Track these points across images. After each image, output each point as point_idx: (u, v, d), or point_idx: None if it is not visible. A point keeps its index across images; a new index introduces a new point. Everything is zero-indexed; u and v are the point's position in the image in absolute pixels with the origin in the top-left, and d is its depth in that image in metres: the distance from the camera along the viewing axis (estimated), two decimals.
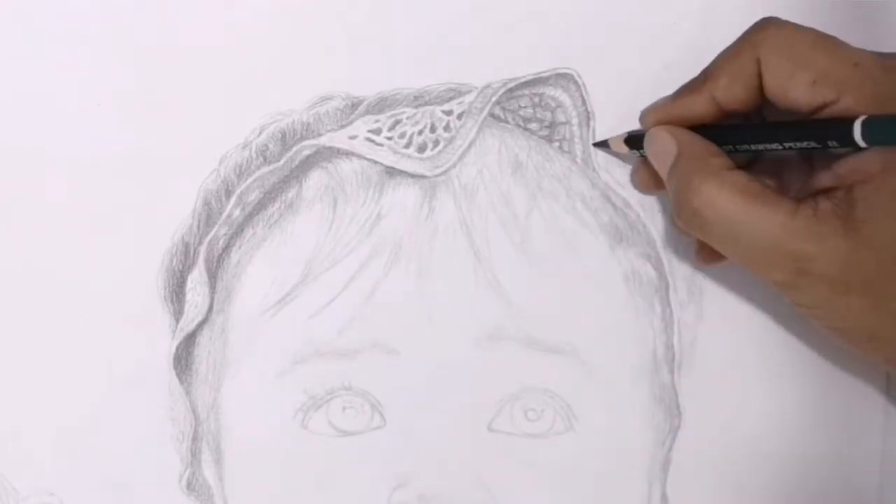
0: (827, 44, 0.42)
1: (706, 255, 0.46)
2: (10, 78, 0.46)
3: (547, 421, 0.48)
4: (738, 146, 0.43)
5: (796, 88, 0.41)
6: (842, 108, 0.41)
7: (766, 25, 0.43)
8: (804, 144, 0.42)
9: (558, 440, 0.48)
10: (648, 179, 0.47)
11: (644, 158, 0.46)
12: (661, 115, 0.45)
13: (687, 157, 0.43)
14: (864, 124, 0.39)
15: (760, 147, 0.43)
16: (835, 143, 0.41)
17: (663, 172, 0.44)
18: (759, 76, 0.42)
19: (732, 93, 0.43)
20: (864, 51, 0.42)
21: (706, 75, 0.44)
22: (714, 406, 0.49)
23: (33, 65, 0.46)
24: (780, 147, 0.42)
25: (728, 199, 0.41)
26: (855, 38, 0.44)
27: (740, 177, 0.42)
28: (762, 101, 0.43)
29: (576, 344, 0.48)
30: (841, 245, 0.40)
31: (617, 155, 0.48)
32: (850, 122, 0.40)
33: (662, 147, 0.44)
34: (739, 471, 0.49)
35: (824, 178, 0.43)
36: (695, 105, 0.44)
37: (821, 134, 0.41)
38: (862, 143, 0.40)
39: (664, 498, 0.49)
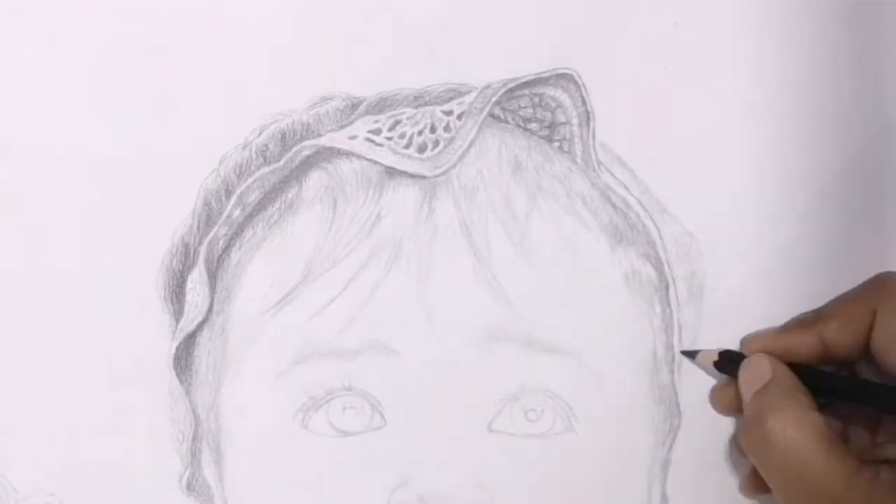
0: None
1: (755, 485, 0.47)
2: (9, 78, 0.46)
3: (547, 421, 0.48)
4: (823, 392, 0.44)
5: None
6: None
7: (889, 280, 0.44)
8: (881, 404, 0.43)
9: (558, 440, 0.48)
10: (731, 401, 0.47)
11: (732, 380, 0.47)
12: (767, 345, 0.45)
13: (777, 384, 0.44)
14: None
15: (846, 401, 0.44)
16: None
17: (749, 392, 0.44)
18: (871, 327, 0.43)
19: (841, 338, 0.44)
20: None
21: (818, 315, 0.45)
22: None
23: (33, 65, 0.46)
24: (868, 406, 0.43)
25: (801, 434, 0.41)
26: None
27: (819, 420, 0.42)
28: (867, 352, 0.43)
29: (576, 344, 0.48)
30: None
31: (701, 366, 0.48)
32: None
33: (757, 371, 0.45)
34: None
35: (889, 450, 0.44)
36: (800, 342, 0.45)
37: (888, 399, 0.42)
38: None
39: (664, 498, 0.49)
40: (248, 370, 0.47)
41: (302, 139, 0.47)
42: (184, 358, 0.47)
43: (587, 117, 0.48)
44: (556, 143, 0.48)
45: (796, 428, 0.42)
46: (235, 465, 0.47)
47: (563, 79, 0.47)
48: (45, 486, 0.47)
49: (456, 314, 0.47)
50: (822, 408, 0.44)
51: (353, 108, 0.47)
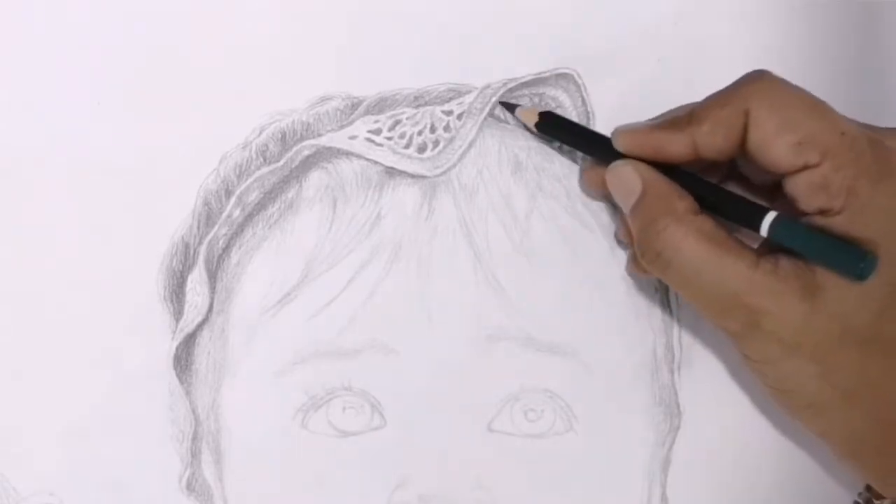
0: (817, 108, 0.41)
1: (637, 266, 0.46)
2: (10, 78, 0.46)
3: (547, 421, 0.48)
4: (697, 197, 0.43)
5: (780, 147, 0.41)
6: (821, 173, 0.40)
7: (760, 78, 0.42)
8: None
9: (558, 440, 0.48)
10: (597, 186, 0.46)
11: (594, 163, 0.46)
12: (635, 141, 0.44)
13: (652, 196, 0.43)
14: (773, 221, 0.40)
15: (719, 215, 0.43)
16: (745, 227, 0.41)
17: (625, 206, 0.44)
18: (744, 128, 0.41)
19: (713, 141, 0.42)
20: (852, 120, 0.41)
21: (690, 117, 0.43)
22: (714, 406, 0.49)
23: (33, 65, 0.46)
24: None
25: (692, 244, 0.41)
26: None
27: (705, 222, 0.41)
28: (741, 152, 0.42)
29: (576, 344, 0.48)
30: (797, 307, 0.40)
31: (524, 126, 0.47)
32: (762, 213, 0.41)
33: (626, 182, 0.43)
34: (739, 471, 0.49)
35: None
36: (672, 143, 0.43)
37: (739, 215, 0.42)
38: (764, 234, 0.40)
39: (664, 498, 0.49)
40: (248, 370, 0.47)
41: (302, 139, 0.47)
42: (184, 358, 0.47)
43: (587, 117, 0.48)
44: (557, 144, 0.48)
45: (684, 239, 0.41)
46: (235, 465, 0.47)
47: (563, 79, 0.48)
48: (45, 486, 0.47)
49: (456, 314, 0.47)
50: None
51: (353, 108, 0.47)
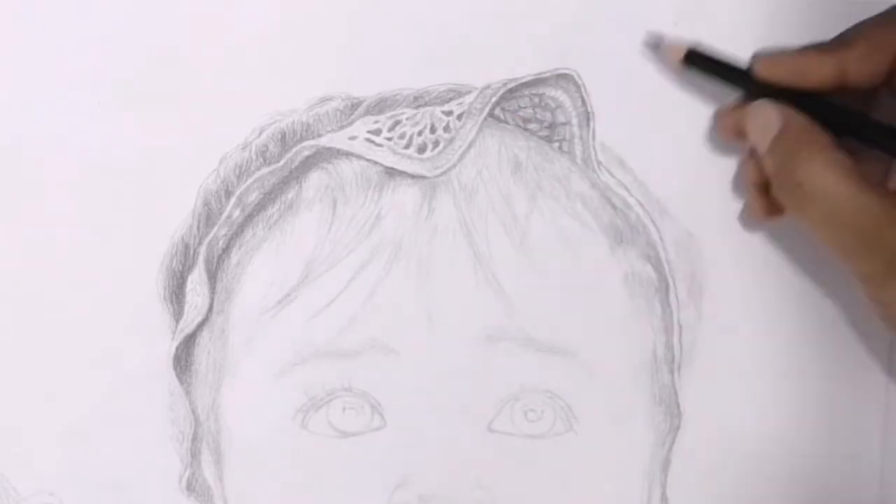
0: None
1: (763, 208, 0.45)
2: (10, 77, 0.46)
3: (547, 421, 0.48)
4: (833, 127, 0.42)
5: None
6: None
7: None
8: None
9: (558, 440, 0.48)
10: (732, 130, 0.45)
11: (730, 107, 0.45)
12: (779, 67, 0.43)
13: (794, 129, 0.42)
14: None
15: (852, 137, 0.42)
16: None
17: (763, 142, 0.43)
18: None
19: (864, 65, 0.41)
20: None
21: (841, 40, 0.42)
22: (714, 406, 0.49)
23: (33, 64, 0.46)
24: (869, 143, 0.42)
25: (834, 177, 0.40)
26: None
27: (846, 158, 0.41)
28: (890, 81, 0.41)
29: (576, 344, 0.48)
30: None
31: (664, 58, 0.47)
32: None
33: (766, 118, 0.43)
34: (739, 471, 0.49)
35: None
36: (818, 67, 0.42)
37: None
38: None
39: (664, 498, 0.49)
40: (248, 370, 0.47)
41: (302, 139, 0.47)
42: (184, 358, 0.47)
43: (587, 117, 0.48)
44: (556, 144, 0.48)
45: (826, 171, 0.40)
46: (235, 465, 0.47)
47: (563, 79, 0.47)
48: (45, 486, 0.47)
49: (456, 314, 0.47)
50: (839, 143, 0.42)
51: (352, 109, 0.47)
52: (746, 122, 0.44)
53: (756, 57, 0.44)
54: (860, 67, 0.41)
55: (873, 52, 0.41)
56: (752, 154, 0.45)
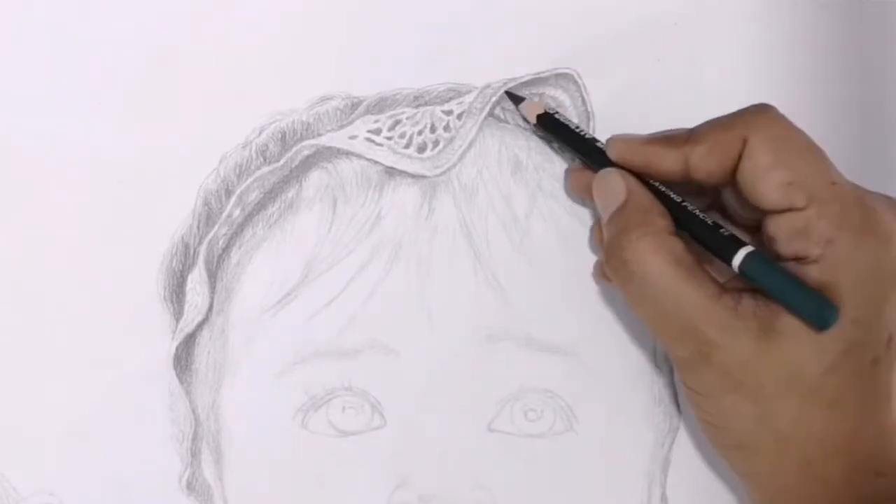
0: (814, 153, 0.41)
1: (605, 276, 0.46)
2: (10, 78, 0.46)
3: (547, 421, 0.48)
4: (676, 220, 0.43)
5: (769, 182, 0.41)
6: (804, 217, 0.40)
7: (765, 111, 0.42)
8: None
9: (558, 440, 0.48)
10: (582, 190, 0.46)
11: (582, 166, 0.46)
12: (629, 151, 0.44)
13: (632, 206, 0.43)
14: (746, 257, 0.40)
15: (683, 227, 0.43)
16: (720, 257, 0.41)
17: (605, 214, 0.43)
18: (738, 158, 0.41)
19: (707, 163, 0.42)
20: (844, 177, 0.41)
21: (688, 136, 0.43)
22: None
23: (33, 64, 0.46)
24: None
25: (660, 263, 0.41)
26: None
27: (677, 244, 0.41)
28: (731, 181, 0.42)
29: (576, 344, 0.48)
30: (748, 346, 0.40)
31: (524, 119, 0.47)
32: (738, 245, 0.40)
33: (612, 189, 0.43)
34: None
35: None
36: (665, 159, 0.43)
37: (714, 244, 0.41)
38: (735, 269, 0.40)
39: (664, 498, 0.49)
40: (248, 370, 0.47)
41: (302, 139, 0.47)
42: (184, 358, 0.47)
43: (587, 117, 0.48)
44: (557, 144, 0.48)
45: (653, 255, 0.41)
46: (235, 465, 0.47)
47: (563, 79, 0.48)
48: (45, 486, 0.47)
49: (456, 314, 0.47)
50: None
51: (353, 108, 0.47)
52: (595, 186, 0.44)
53: (610, 139, 0.44)
54: (702, 165, 0.42)
55: (715, 152, 0.42)
56: (597, 221, 0.46)
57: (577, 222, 0.48)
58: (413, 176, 0.47)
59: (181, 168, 0.46)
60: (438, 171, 0.47)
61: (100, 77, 0.46)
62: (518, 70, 0.47)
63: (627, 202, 0.43)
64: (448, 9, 0.47)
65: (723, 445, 0.43)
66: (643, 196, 0.43)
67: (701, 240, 0.42)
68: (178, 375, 0.47)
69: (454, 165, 0.47)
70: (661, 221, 0.42)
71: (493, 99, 0.47)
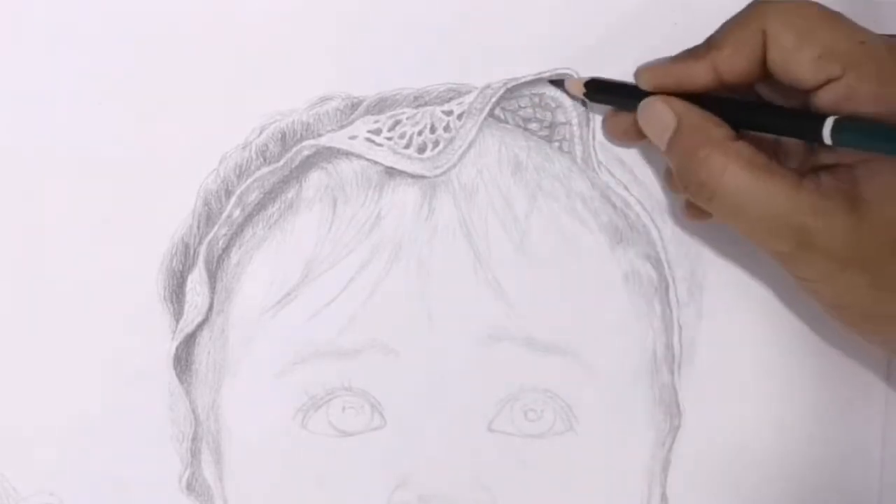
0: (833, 19, 0.42)
1: (695, 211, 0.46)
2: (10, 78, 0.46)
3: (547, 421, 0.48)
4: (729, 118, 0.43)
5: (801, 62, 0.41)
6: (845, 84, 0.40)
7: None
8: (779, 128, 0.42)
9: (558, 440, 0.48)
10: (625, 132, 0.46)
11: (618, 109, 0.46)
12: (658, 76, 0.44)
13: (688, 128, 0.43)
14: (835, 125, 0.40)
15: (748, 125, 0.42)
16: (806, 138, 0.41)
17: (660, 142, 0.43)
18: (764, 48, 0.42)
19: (735, 63, 0.42)
20: (869, 31, 0.42)
21: (709, 44, 0.43)
22: (714, 406, 0.49)
23: (33, 64, 0.46)
24: (764, 129, 0.42)
25: (735, 170, 0.41)
26: None
27: (745, 147, 0.41)
28: (764, 73, 0.42)
29: (576, 344, 0.48)
30: (844, 221, 0.40)
31: (571, 95, 0.47)
32: (820, 119, 0.40)
33: (659, 118, 0.43)
34: (739, 471, 0.49)
35: (826, 155, 0.43)
36: (694, 72, 0.43)
37: (794, 128, 0.42)
38: (828, 142, 0.40)
39: (664, 498, 0.49)
40: (248, 370, 0.47)
41: (302, 139, 0.47)
42: (184, 358, 0.47)
43: (587, 117, 0.48)
44: (556, 143, 0.48)
45: (725, 166, 0.41)
46: (235, 465, 0.47)
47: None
48: (45, 486, 0.47)
49: (456, 314, 0.47)
50: (740, 132, 0.43)
51: (353, 108, 0.47)
52: (640, 121, 0.44)
53: (637, 70, 0.45)
54: (731, 67, 0.42)
55: (739, 51, 0.42)
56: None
57: (577, 222, 0.48)
58: (413, 176, 0.47)
59: (181, 168, 0.46)
60: (438, 171, 0.47)
61: (100, 77, 0.46)
62: (518, 70, 0.47)
63: (681, 124, 0.43)
64: (448, 9, 0.47)
65: (851, 322, 0.44)
66: (693, 113, 0.43)
67: (773, 128, 0.42)
68: (178, 375, 0.47)
69: (454, 165, 0.47)
70: (720, 131, 0.42)
71: (493, 99, 0.47)
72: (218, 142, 0.47)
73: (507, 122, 0.48)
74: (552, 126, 0.48)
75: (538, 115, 0.48)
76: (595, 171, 0.48)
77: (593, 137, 0.48)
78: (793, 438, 0.49)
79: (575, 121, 0.48)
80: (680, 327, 0.49)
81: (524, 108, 0.48)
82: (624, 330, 0.48)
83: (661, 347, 0.48)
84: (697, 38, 0.45)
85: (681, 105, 0.43)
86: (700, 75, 0.43)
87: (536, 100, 0.48)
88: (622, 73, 0.47)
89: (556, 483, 0.48)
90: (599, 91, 0.46)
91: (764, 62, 0.42)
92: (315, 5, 0.47)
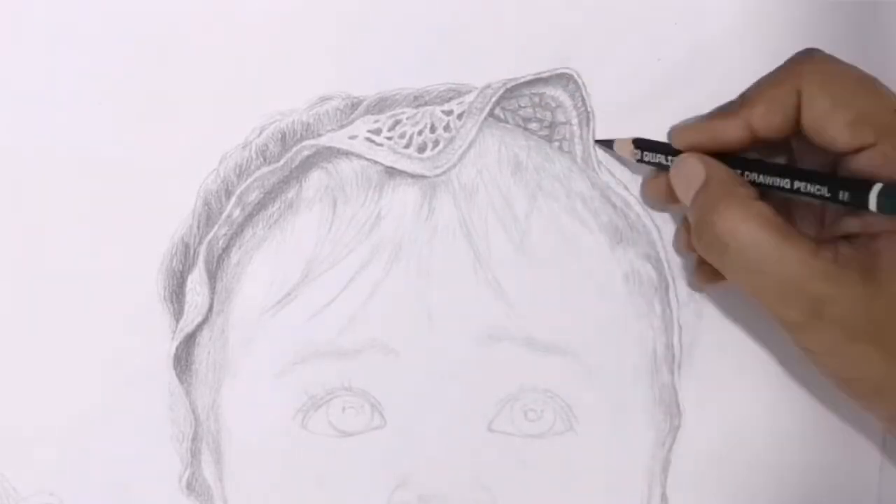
0: (869, 85, 0.42)
1: (706, 274, 0.46)
2: (10, 78, 0.46)
3: (547, 421, 0.48)
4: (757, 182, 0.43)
5: (835, 126, 0.41)
6: (881, 152, 0.40)
7: (811, 57, 0.42)
8: (816, 193, 0.41)
9: (558, 440, 0.48)
10: (661, 194, 0.47)
11: (657, 172, 0.46)
12: (692, 135, 0.44)
13: (715, 182, 0.43)
14: (881, 193, 0.39)
15: (778, 188, 0.42)
16: (848, 202, 0.40)
17: (686, 197, 0.44)
18: (798, 108, 0.42)
19: (769, 121, 0.42)
20: None
21: (743, 100, 0.43)
22: (714, 406, 0.49)
23: (33, 65, 0.46)
24: (794, 193, 0.42)
25: (752, 228, 0.41)
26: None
27: (765, 209, 0.41)
28: (797, 130, 0.42)
29: (576, 344, 0.48)
30: (859, 292, 0.40)
31: (617, 157, 0.48)
32: (867, 187, 0.40)
33: (690, 172, 0.44)
34: (739, 471, 0.49)
35: (844, 225, 0.43)
36: (728, 129, 0.43)
37: (836, 191, 0.41)
38: (873, 208, 0.39)
39: (664, 498, 0.49)
40: (248, 370, 0.47)
41: (302, 139, 0.47)
42: (184, 358, 0.47)
43: (587, 117, 0.48)
44: (556, 143, 0.48)
45: (745, 222, 0.41)
46: (235, 465, 0.47)
47: (563, 79, 0.48)
48: (45, 486, 0.47)
49: (456, 314, 0.47)
50: (764, 195, 0.43)
51: (353, 108, 0.47)
52: (671, 177, 0.45)
53: (671, 131, 0.45)
54: (765, 124, 0.43)
55: (773, 110, 0.42)
56: (685, 220, 0.46)
57: (577, 222, 0.48)
58: (413, 176, 0.47)
59: (181, 168, 0.46)
60: (438, 171, 0.47)
61: (100, 77, 0.46)
62: (518, 70, 0.47)
63: (708, 179, 0.43)
64: (448, 9, 0.47)
65: (859, 396, 0.43)
66: (721, 170, 0.43)
67: (807, 192, 0.41)
68: (178, 375, 0.47)
69: (454, 165, 0.47)
70: (744, 190, 0.42)
71: (493, 99, 0.47)
72: (218, 142, 0.47)
73: (507, 122, 0.48)
74: (552, 126, 0.48)
75: (538, 115, 0.48)
76: (595, 170, 0.48)
77: (593, 137, 0.48)
78: (792, 438, 0.49)
79: (575, 121, 0.48)
80: (680, 327, 0.49)
81: (524, 107, 0.48)
82: (624, 330, 0.48)
83: (661, 347, 0.48)
84: (696, 38, 0.45)
85: (713, 162, 0.43)
86: (733, 132, 0.43)
87: (536, 99, 0.48)
88: (622, 72, 0.47)
89: (556, 483, 0.48)
90: (646, 149, 0.46)
91: (797, 121, 0.42)
92: (315, 5, 0.47)
